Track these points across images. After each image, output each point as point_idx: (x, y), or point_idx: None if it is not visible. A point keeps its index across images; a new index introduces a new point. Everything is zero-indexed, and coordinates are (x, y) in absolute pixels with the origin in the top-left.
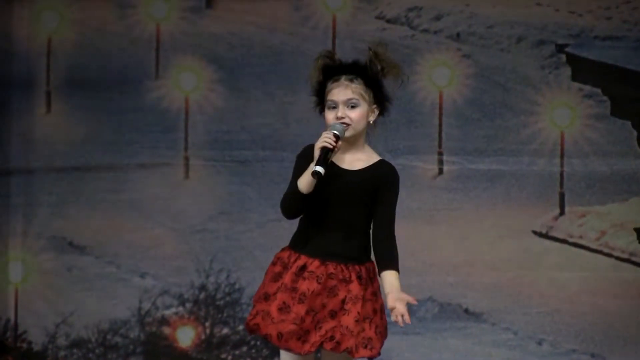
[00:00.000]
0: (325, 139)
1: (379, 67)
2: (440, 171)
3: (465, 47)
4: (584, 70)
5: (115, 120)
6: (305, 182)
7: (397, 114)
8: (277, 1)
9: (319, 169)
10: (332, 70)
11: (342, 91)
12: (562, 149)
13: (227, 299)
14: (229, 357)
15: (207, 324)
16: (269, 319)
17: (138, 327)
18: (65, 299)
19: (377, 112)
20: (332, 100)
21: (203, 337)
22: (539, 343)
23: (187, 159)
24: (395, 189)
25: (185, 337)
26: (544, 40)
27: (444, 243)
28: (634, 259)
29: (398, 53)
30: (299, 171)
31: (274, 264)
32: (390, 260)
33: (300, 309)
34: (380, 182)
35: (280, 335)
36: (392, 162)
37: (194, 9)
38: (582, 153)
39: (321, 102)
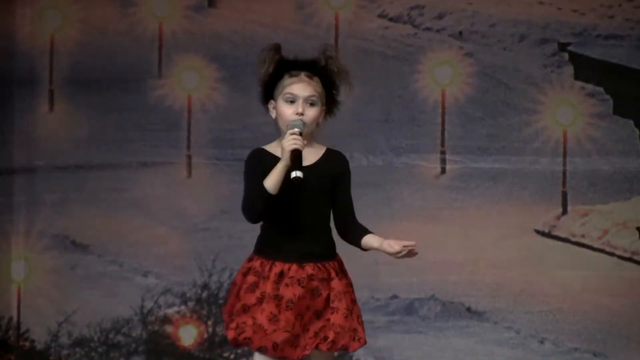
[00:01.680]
0: (295, 141)
1: (335, 70)
2: (443, 170)
3: (468, 45)
4: (586, 69)
5: (117, 118)
6: (273, 183)
7: (400, 112)
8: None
9: (299, 174)
10: (289, 65)
11: (304, 87)
12: (564, 148)
13: None
14: (231, 356)
15: (209, 322)
16: (262, 331)
17: (140, 325)
18: (67, 298)
19: (323, 114)
20: (291, 94)
21: (205, 335)
22: (541, 342)
23: (189, 157)
24: (349, 173)
25: (188, 335)
26: (547, 39)
27: (446, 242)
28: (636, 257)
29: (400, 51)
30: (256, 174)
31: (244, 274)
32: (364, 230)
33: (289, 316)
34: (336, 171)
35: (275, 345)
36: (395, 161)
37: (197, 7)
38: (584, 152)
39: (268, 93)
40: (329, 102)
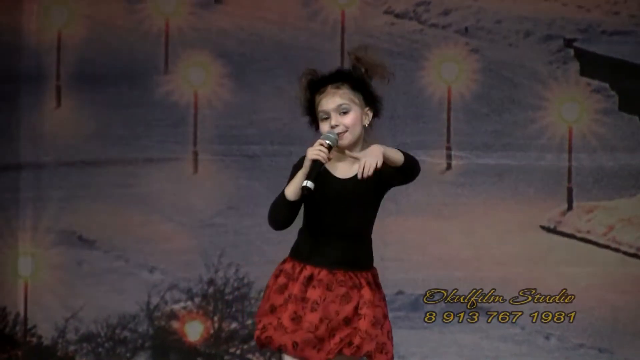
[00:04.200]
0: (317, 151)
1: (363, 70)
2: (449, 166)
3: (474, 41)
4: (592, 65)
5: (124, 114)
6: (292, 191)
7: (405, 109)
8: None
9: (309, 184)
10: (317, 83)
11: (330, 99)
12: (570, 144)
13: (236, 293)
14: (238, 352)
15: (215, 318)
16: (282, 329)
17: (147, 321)
18: (74, 294)
19: (370, 114)
20: (323, 111)
21: (211, 331)
22: (547, 338)
23: (195, 153)
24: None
25: (194, 331)
26: (552, 35)
27: (451, 238)
28: None
29: (406, 48)
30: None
31: (276, 276)
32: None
33: (313, 318)
34: (378, 171)
35: (295, 344)
36: None
37: (203, 3)
38: (590, 148)
39: (315, 119)
40: (369, 102)
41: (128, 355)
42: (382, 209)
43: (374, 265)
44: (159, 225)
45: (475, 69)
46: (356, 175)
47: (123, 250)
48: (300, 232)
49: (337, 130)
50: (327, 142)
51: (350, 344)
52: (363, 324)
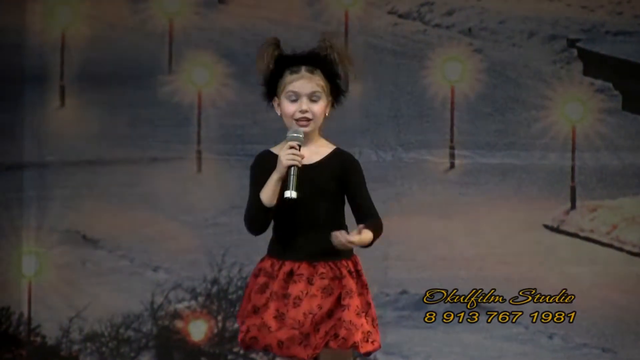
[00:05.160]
0: (292, 156)
1: (337, 59)
2: (452, 165)
3: (477, 41)
4: (595, 65)
5: (128, 114)
6: (268, 196)
7: (409, 108)
8: None
9: (293, 194)
10: (289, 60)
11: (305, 84)
12: (573, 143)
13: (240, 292)
14: (241, 351)
15: (219, 317)
16: (266, 329)
17: (151, 321)
18: (78, 293)
19: (330, 105)
20: (293, 92)
21: (215, 331)
22: (550, 337)
23: (199, 153)
24: (359, 171)
25: (198, 331)
26: (556, 35)
27: (455, 237)
28: None
29: (409, 47)
30: (258, 183)
31: (256, 275)
32: (368, 219)
33: (296, 313)
34: (342, 170)
35: (280, 343)
36: (404, 156)
37: (207, 3)
38: (593, 147)
39: (271, 92)
40: (333, 92)
41: (132, 354)
42: (385, 209)
43: (379, 263)
44: (163, 224)
45: (478, 68)
46: (320, 160)
47: (127, 250)
48: (275, 227)
49: (305, 116)
50: (297, 142)
51: (336, 336)
52: (347, 315)
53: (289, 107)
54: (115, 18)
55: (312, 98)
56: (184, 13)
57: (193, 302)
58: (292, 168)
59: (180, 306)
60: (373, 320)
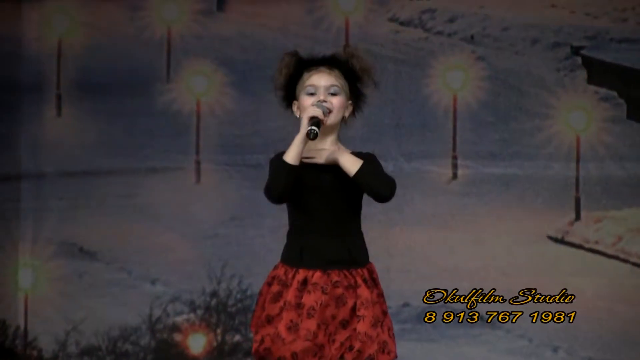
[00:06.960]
0: (314, 110)
1: (357, 65)
2: (455, 175)
3: (480, 49)
4: (599, 73)
5: (126, 123)
6: (292, 155)
7: (411, 117)
8: (289, 3)
9: (314, 127)
10: (308, 63)
11: (323, 77)
12: (577, 153)
13: (239, 305)
14: None
15: (218, 330)
16: (280, 340)
17: (149, 334)
18: (75, 306)
19: (351, 108)
20: (312, 86)
21: (214, 344)
22: (555, 350)
23: (198, 163)
24: (374, 160)
25: (197, 344)
26: (559, 43)
27: (458, 248)
28: None
29: (411, 55)
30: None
31: (269, 284)
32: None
33: (310, 324)
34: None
35: (294, 355)
36: (406, 166)
37: (205, 11)
38: (598, 157)
39: (289, 96)
40: (354, 95)
41: None
42: (387, 219)
43: (381, 275)
44: (161, 236)
45: (481, 76)
46: (336, 165)
47: (125, 262)
48: (288, 234)
49: (325, 105)
50: (320, 110)
51: (350, 348)
52: (362, 327)
53: (307, 100)
54: (113, 26)
55: (331, 91)
56: (182, 21)
57: (192, 315)
58: (313, 117)
59: (178, 319)
60: (389, 329)
